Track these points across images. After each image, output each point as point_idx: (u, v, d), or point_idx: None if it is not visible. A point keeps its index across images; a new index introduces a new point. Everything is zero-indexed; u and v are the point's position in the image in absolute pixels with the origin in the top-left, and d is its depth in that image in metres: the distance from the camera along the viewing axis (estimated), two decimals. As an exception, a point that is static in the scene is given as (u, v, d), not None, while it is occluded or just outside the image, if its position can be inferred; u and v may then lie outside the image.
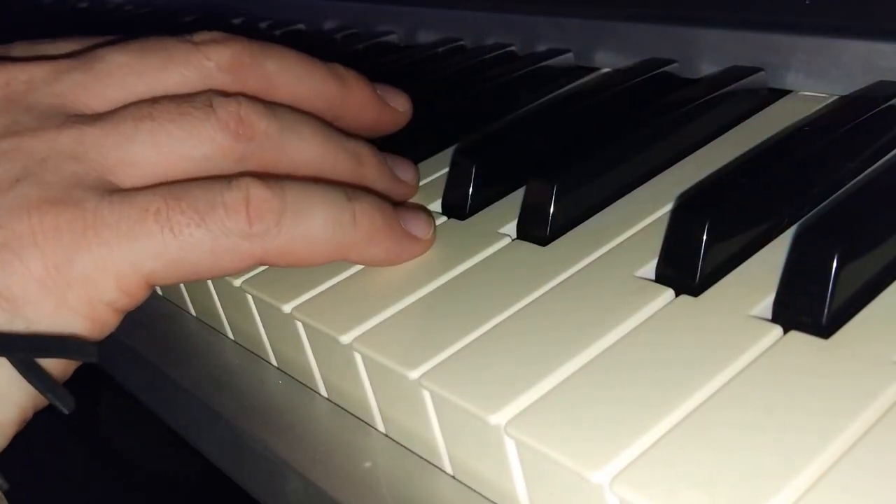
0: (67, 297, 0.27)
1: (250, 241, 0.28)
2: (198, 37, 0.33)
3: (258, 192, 0.29)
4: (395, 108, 0.38)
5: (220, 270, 0.29)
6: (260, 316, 0.35)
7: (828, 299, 0.25)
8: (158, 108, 0.30)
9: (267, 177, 0.30)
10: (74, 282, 0.27)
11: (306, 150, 0.32)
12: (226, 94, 0.31)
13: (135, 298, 0.29)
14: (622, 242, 0.32)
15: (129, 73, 0.31)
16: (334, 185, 0.31)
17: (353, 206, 0.31)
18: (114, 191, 0.28)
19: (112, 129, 0.29)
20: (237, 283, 0.35)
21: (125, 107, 0.30)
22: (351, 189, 0.32)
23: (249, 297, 0.35)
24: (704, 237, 0.28)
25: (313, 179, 0.32)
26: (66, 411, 0.27)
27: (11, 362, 0.26)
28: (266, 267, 0.35)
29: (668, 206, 0.33)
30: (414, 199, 0.39)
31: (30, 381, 0.26)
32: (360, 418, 0.31)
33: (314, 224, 0.30)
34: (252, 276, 0.34)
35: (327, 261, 0.31)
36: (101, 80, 0.31)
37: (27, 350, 0.26)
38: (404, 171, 0.37)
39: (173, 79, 0.32)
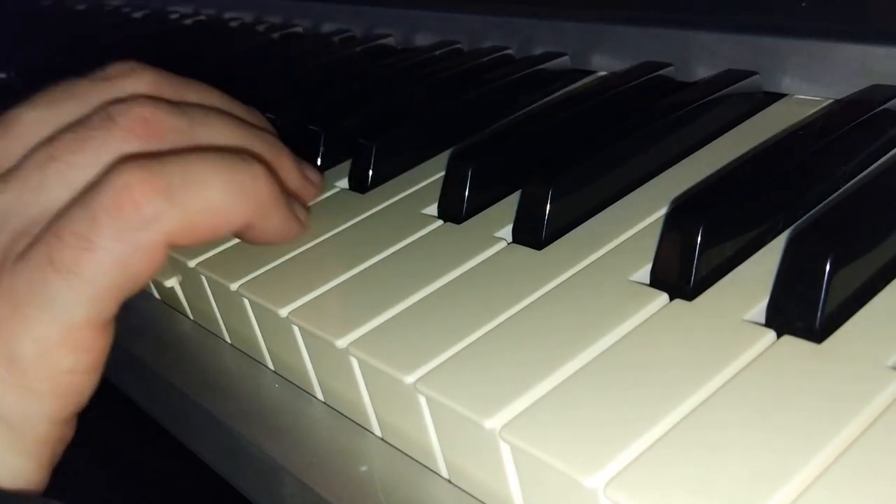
0: (26, 383, 0.26)
1: (149, 229, 0.27)
2: (112, 70, 0.32)
3: (136, 177, 0.26)
4: (314, 182, 0.38)
5: (141, 275, 0.27)
6: (256, 320, 0.35)
7: (821, 304, 0.25)
8: (57, 146, 0.29)
9: (144, 159, 0.28)
10: (28, 366, 0.26)
11: (222, 139, 0.31)
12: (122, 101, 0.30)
13: (96, 350, 0.27)
14: (617, 246, 0.32)
15: (44, 126, 0.30)
16: (229, 150, 0.30)
17: (252, 168, 0.29)
18: (17, 256, 0.27)
19: (23, 187, 0.28)
20: (234, 286, 0.35)
21: (26, 156, 0.29)
22: (248, 155, 0.30)
23: (246, 302, 0.35)
24: (699, 241, 0.28)
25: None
26: None
27: None
28: (264, 270, 0.35)
29: (663, 210, 0.33)
30: (414, 200, 0.39)
31: None
32: (356, 422, 0.32)
33: (212, 191, 0.28)
34: (249, 280, 0.35)
35: (232, 230, 0.30)
36: (19, 142, 0.30)
37: None
38: (313, 172, 0.37)
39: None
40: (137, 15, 0.91)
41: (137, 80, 0.32)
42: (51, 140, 0.29)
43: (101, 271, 0.26)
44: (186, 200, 0.27)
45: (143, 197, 0.26)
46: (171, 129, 0.29)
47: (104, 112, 0.29)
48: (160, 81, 0.32)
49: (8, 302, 0.26)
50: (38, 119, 0.30)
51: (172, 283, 0.40)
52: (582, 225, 0.34)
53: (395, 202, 0.39)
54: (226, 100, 0.34)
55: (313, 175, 0.38)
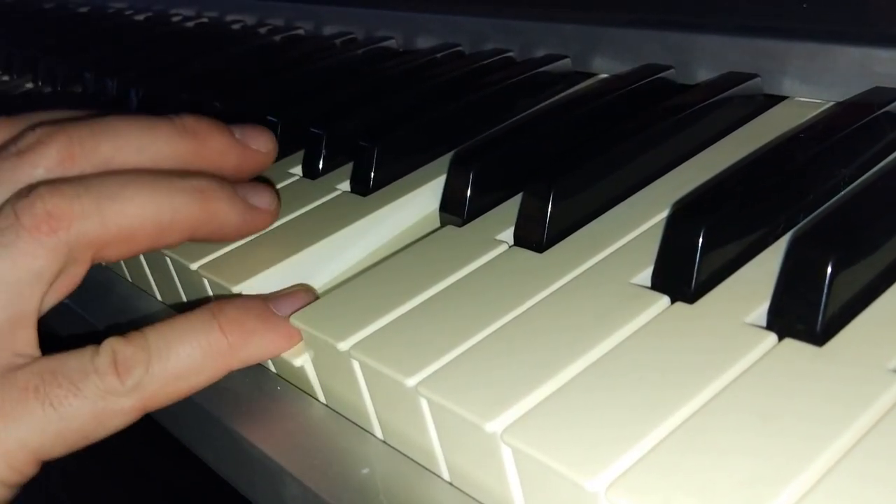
0: None
1: (128, 396, 0.30)
2: (21, 144, 0.33)
3: (122, 351, 0.30)
4: (258, 150, 0.38)
5: (106, 431, 0.30)
6: (258, 322, 0.35)
7: (822, 306, 0.25)
8: None
9: (130, 338, 0.31)
10: None
11: (135, 210, 0.32)
12: (27, 191, 0.31)
13: (23, 475, 0.30)
14: (618, 249, 0.32)
15: None
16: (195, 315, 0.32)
17: (218, 320, 0.31)
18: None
19: None
20: (235, 290, 0.35)
21: None
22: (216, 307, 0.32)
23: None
24: (700, 244, 0.29)
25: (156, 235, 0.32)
26: None
27: None
28: (265, 272, 0.35)
29: (664, 213, 0.33)
30: (414, 202, 0.39)
31: None
32: (357, 425, 0.32)
33: (181, 360, 0.31)
34: (249, 282, 0.35)
35: (215, 380, 0.32)
36: None
37: None
38: (259, 197, 0.36)
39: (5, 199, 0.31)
40: (140, 17, 0.91)
41: (44, 154, 0.32)
42: None
43: (76, 416, 0.29)
44: (162, 369, 0.30)
45: (124, 369, 0.30)
46: (76, 214, 0.30)
47: (7, 211, 0.30)
48: (70, 145, 0.33)
49: None
50: None
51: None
52: (583, 228, 0.34)
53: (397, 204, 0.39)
54: (144, 130, 0.34)
55: (260, 199, 0.37)
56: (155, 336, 0.31)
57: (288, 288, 0.35)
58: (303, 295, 0.33)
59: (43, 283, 0.30)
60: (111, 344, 0.30)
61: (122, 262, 0.45)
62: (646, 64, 0.45)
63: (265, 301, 0.33)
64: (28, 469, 0.30)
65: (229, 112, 0.50)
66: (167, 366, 0.31)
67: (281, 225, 0.39)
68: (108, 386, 0.30)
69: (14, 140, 0.33)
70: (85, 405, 0.29)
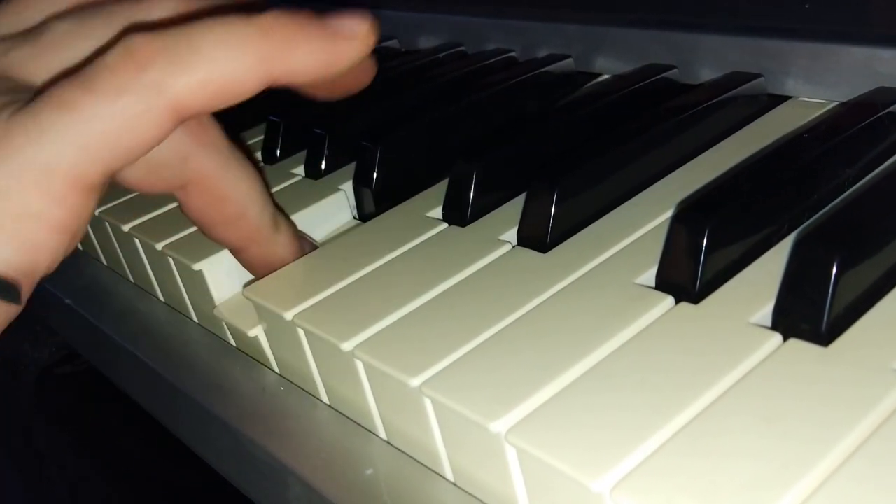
0: None
1: (155, 92, 0.26)
2: None
3: (138, 39, 0.26)
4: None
5: (140, 139, 0.26)
6: (261, 323, 0.35)
7: (827, 307, 0.25)
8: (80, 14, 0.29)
9: (150, 31, 0.27)
10: None
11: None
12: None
13: (66, 208, 0.26)
14: (622, 249, 0.32)
15: (75, 38, 0.30)
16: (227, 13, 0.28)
17: (259, 18, 0.27)
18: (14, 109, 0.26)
19: (38, 42, 0.29)
20: (243, 292, 0.35)
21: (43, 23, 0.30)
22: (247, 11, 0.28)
23: (251, 305, 0.35)
24: (704, 244, 0.28)
25: None
26: (16, 303, 0.25)
27: None
28: (271, 274, 0.35)
29: (668, 213, 0.33)
30: (419, 202, 0.39)
31: None
32: (361, 425, 0.32)
33: (217, 49, 0.27)
34: (254, 283, 0.35)
35: (256, 88, 0.28)
36: (48, 52, 0.29)
37: None
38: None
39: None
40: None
41: (167, 1, 0.31)
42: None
43: (99, 116, 0.26)
44: (194, 59, 0.26)
45: (142, 57, 0.26)
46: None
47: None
48: (188, 4, 0.31)
49: None
50: (69, 31, 0.30)
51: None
52: (587, 228, 0.34)
53: (400, 204, 0.39)
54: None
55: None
56: (181, 27, 0.27)
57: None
58: (357, 17, 0.30)
59: None
60: (127, 37, 0.26)
61: (124, 263, 0.45)
62: (649, 64, 0.45)
63: (316, 15, 0.29)
64: (74, 200, 0.26)
65: (230, 112, 0.50)
66: (196, 58, 0.26)
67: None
68: (122, 81, 0.26)
69: None
70: (101, 104, 0.25)
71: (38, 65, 0.30)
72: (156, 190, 0.32)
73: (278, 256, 0.35)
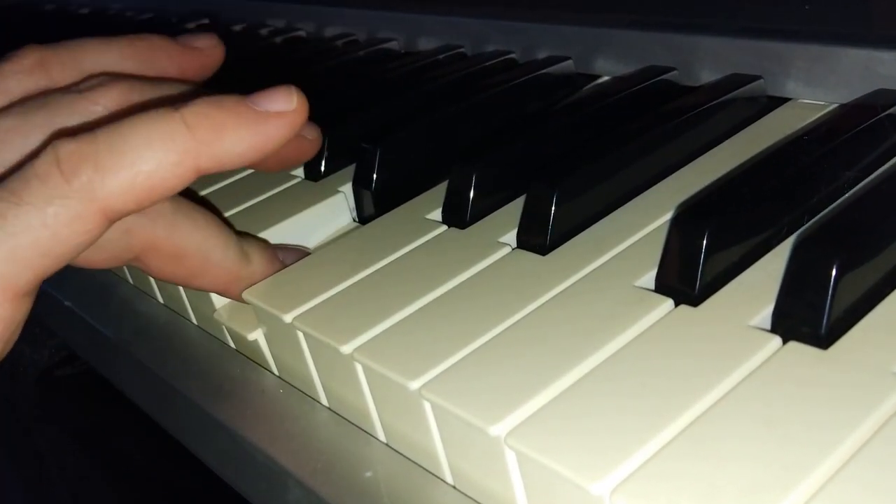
0: None
1: (78, 198, 0.26)
2: (83, 85, 0.32)
3: (65, 147, 0.26)
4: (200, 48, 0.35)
5: (68, 245, 0.27)
6: (261, 325, 0.35)
7: (827, 309, 0.25)
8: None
9: (77, 136, 0.27)
10: None
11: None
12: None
13: (1, 317, 0.26)
14: (622, 252, 0.32)
15: (16, 134, 0.30)
16: (160, 105, 0.29)
17: (181, 114, 0.28)
18: None
19: None
20: (244, 296, 0.35)
21: None
22: (180, 102, 0.29)
23: (251, 307, 0.35)
24: (704, 246, 0.28)
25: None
26: None
27: None
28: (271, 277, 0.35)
29: (668, 215, 0.33)
30: (414, 205, 0.39)
31: None
32: (361, 428, 0.32)
33: (141, 150, 0.27)
34: (253, 287, 0.35)
35: (184, 183, 0.28)
36: None
37: None
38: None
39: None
40: (142, 18, 0.91)
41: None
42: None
43: (29, 227, 0.26)
44: (117, 164, 0.27)
45: (68, 166, 0.26)
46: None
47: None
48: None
49: None
50: (11, 128, 0.30)
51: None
52: (587, 230, 0.33)
53: (400, 207, 0.39)
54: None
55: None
56: (105, 131, 0.27)
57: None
58: (283, 91, 0.29)
59: None
60: (53, 144, 0.26)
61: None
62: (649, 65, 0.45)
63: (241, 97, 0.29)
64: (4, 306, 0.26)
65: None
66: (121, 162, 0.26)
67: (281, 225, 0.39)
68: (52, 188, 0.26)
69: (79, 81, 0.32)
70: (31, 214, 0.26)
71: None
72: (110, 265, 0.32)
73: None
